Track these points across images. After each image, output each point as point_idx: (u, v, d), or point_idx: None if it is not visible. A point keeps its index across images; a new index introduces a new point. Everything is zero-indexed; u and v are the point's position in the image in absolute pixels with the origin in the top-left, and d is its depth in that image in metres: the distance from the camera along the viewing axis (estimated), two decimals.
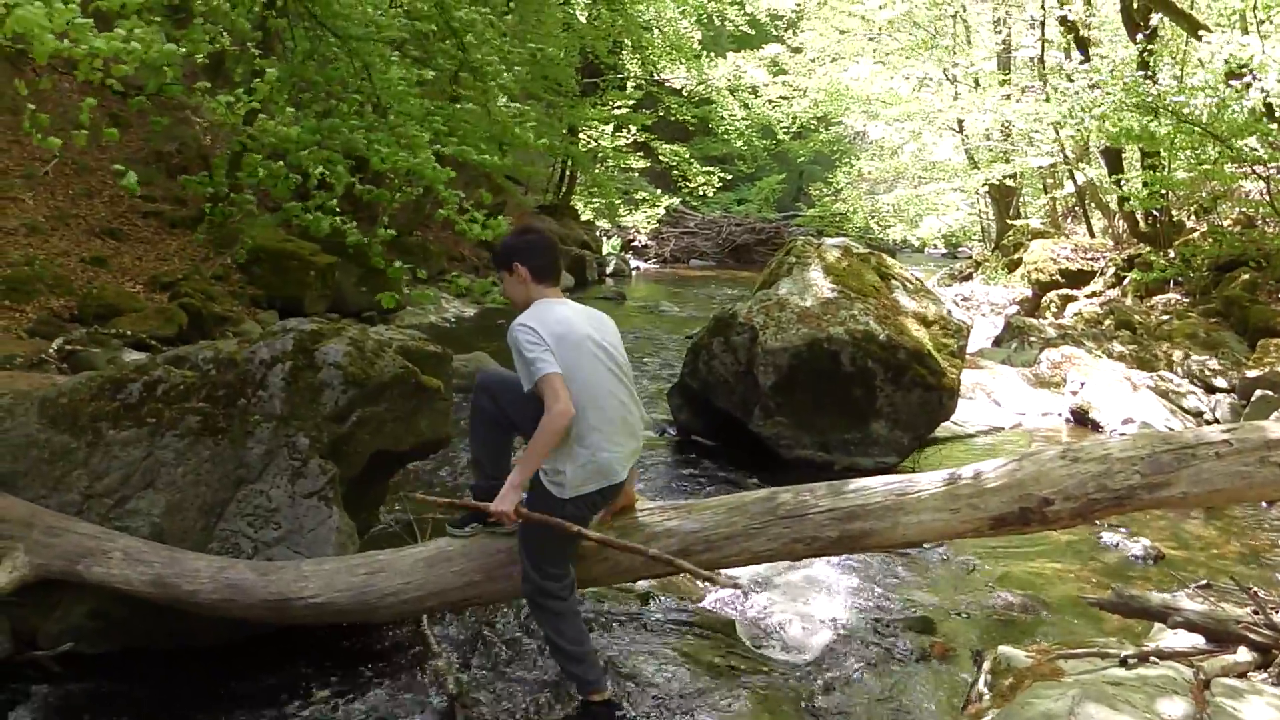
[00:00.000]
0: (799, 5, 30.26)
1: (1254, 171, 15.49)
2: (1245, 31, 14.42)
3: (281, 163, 10.31)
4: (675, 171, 33.91)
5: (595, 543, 4.72)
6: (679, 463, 9.67)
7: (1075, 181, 22.63)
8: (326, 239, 13.82)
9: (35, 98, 18.52)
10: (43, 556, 5.07)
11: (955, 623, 6.24)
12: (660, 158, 33.11)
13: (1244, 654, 4.82)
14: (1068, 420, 11.97)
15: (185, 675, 5.19)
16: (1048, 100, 19.58)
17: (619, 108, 30.42)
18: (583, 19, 27.50)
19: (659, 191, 35.36)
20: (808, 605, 6.32)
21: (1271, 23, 14.65)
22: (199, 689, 5.08)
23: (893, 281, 10.41)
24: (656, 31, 29.22)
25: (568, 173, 31.14)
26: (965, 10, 26.42)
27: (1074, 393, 12.12)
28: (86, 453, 5.37)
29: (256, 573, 4.92)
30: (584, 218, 32.74)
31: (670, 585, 6.24)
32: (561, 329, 4.57)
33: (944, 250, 36.50)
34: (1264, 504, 8.49)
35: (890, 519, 4.72)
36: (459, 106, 12.83)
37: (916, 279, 10.93)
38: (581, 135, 30.06)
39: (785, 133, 33.07)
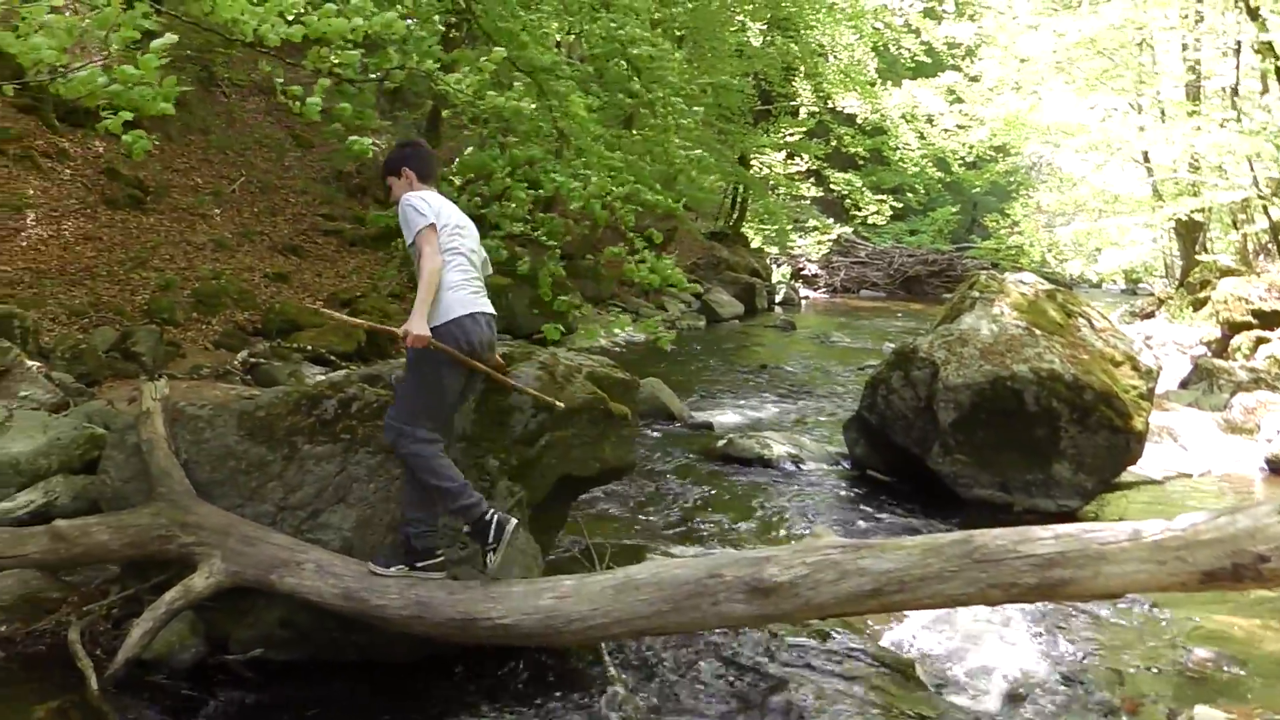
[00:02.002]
0: (979, 32, 29.76)
1: None
2: None
3: (464, 197, 10.47)
4: (847, 200, 33.65)
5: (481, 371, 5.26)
6: (855, 498, 9.54)
7: (1270, 217, 21.80)
8: (499, 262, 14.02)
9: (226, 114, 19.22)
10: (238, 564, 5.21)
11: (1146, 678, 6.01)
12: (832, 186, 32.88)
13: None
14: (1262, 470, 11.43)
15: (369, 688, 5.29)
16: (1242, 131, 18.86)
17: (791, 135, 30.30)
18: (756, 45, 27.46)
19: (830, 220, 35.14)
20: (991, 650, 6.16)
21: None
22: (381, 703, 5.17)
23: (1079, 319, 10.13)
24: (831, 58, 29.02)
25: (739, 199, 31.10)
26: (1152, 37, 25.65)
27: (1269, 440, 11.61)
28: (282, 466, 5.52)
29: (444, 591, 4.97)
30: (754, 245, 32.67)
31: (849, 623, 6.14)
32: (439, 203, 5.33)
33: (1123, 286, 35.55)
34: None
35: (1092, 568, 4.55)
36: (635, 138, 12.87)
37: (1104, 317, 10.63)
38: (753, 162, 30.01)
39: (960, 163, 32.54)
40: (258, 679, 5.28)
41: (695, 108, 12.21)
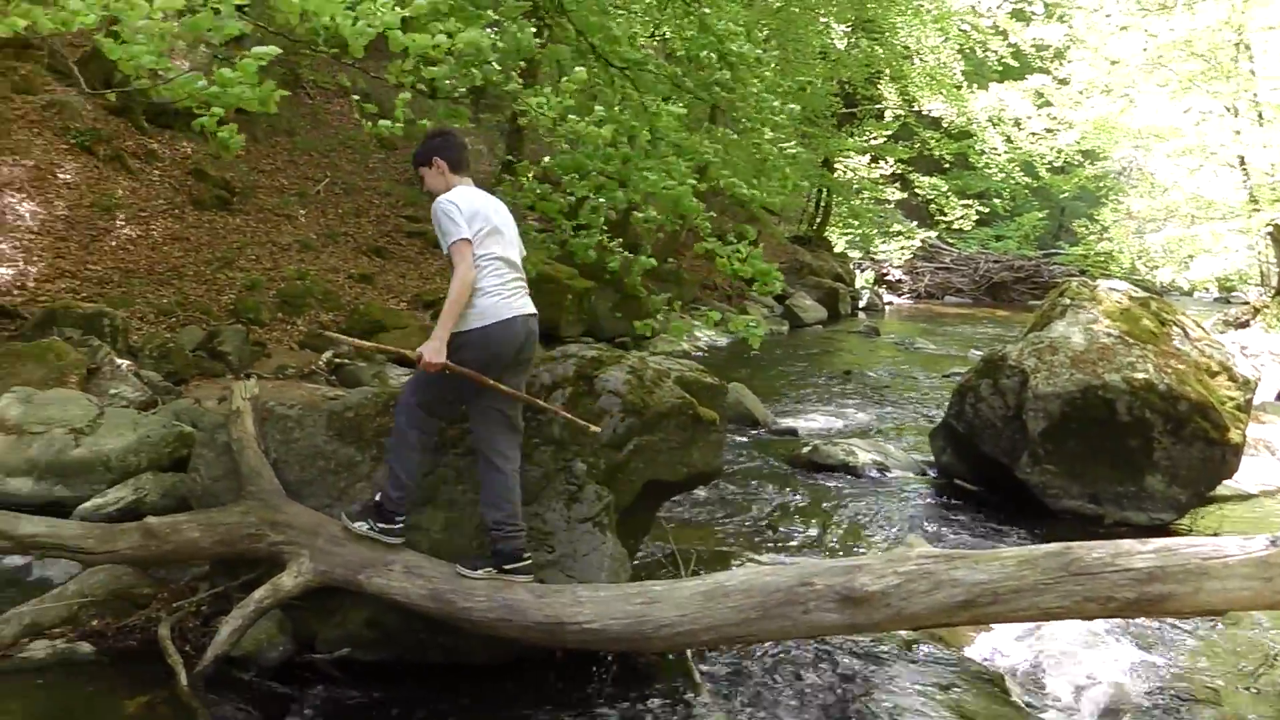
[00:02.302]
0: (1069, 33, 29.31)
1: None
2: None
3: (545, 185, 10.46)
4: (932, 205, 33.35)
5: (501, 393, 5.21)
6: (941, 506, 9.42)
7: None
8: (582, 264, 14.02)
9: (311, 116, 19.40)
10: (326, 564, 5.23)
11: (1245, 698, 5.83)
12: (917, 190, 32.62)
13: None
14: None
15: (454, 690, 5.27)
16: None
17: (876, 138, 30.09)
18: (841, 47, 27.29)
19: (914, 225, 34.85)
20: (1083, 664, 6.00)
21: None
22: (466, 704, 5.16)
23: (1173, 328, 9.93)
24: (916, 61, 28.72)
25: (823, 203, 30.93)
26: (1250, 38, 25.07)
27: None
28: (370, 466, 5.56)
29: (532, 594, 4.95)
30: (838, 250, 32.49)
31: (936, 634, 6.04)
32: (472, 204, 5.29)
33: (1216, 294, 34.88)
34: None
35: (1192, 584, 4.44)
36: (726, 136, 12.79)
37: (1198, 325, 10.40)
38: (837, 165, 29.83)
39: (1048, 167, 32.09)
40: (344, 678, 5.29)
41: (790, 105, 12.06)
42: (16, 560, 6.50)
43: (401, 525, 5.29)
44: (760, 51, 11.98)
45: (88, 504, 7.46)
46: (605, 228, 10.78)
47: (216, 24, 5.68)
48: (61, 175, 13.82)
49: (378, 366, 11.85)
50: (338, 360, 11.65)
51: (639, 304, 11.83)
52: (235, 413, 5.96)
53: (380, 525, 5.27)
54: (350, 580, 5.17)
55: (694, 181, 10.17)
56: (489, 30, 8.58)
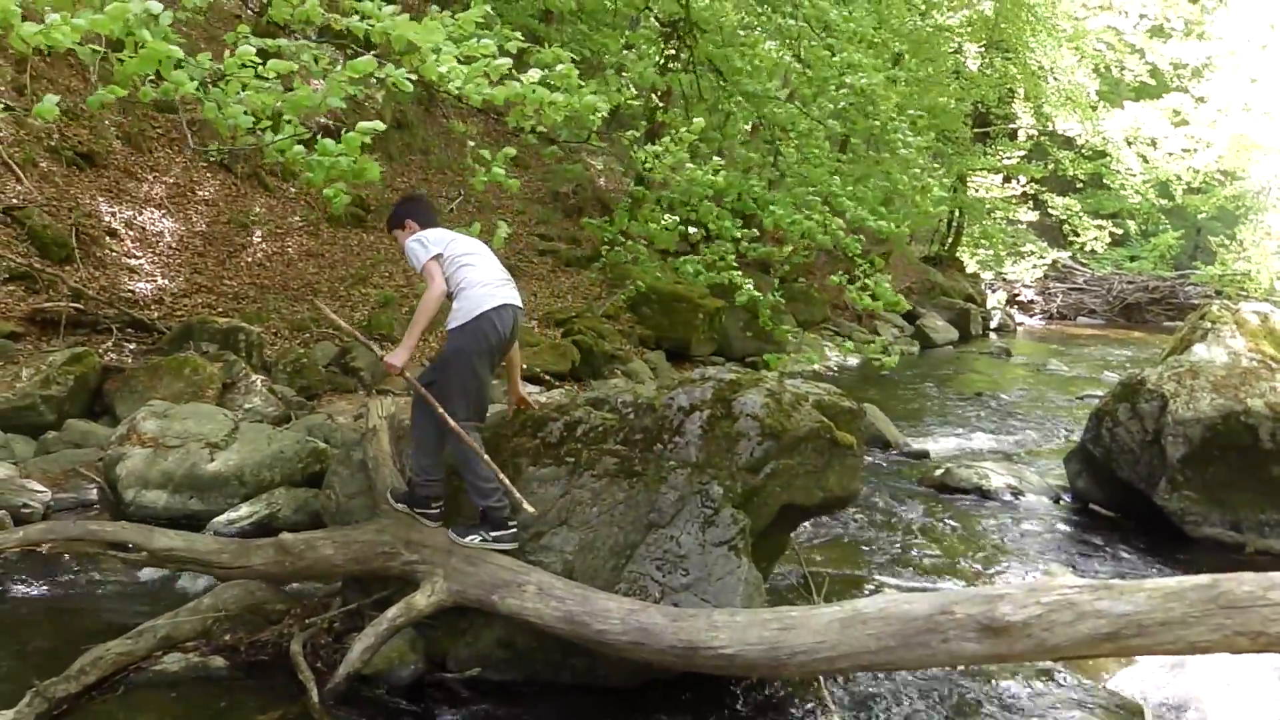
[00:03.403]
0: (1209, 53, 28.68)
1: None
2: None
3: (672, 216, 10.50)
4: (1065, 225, 32.82)
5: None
6: (1077, 533, 9.21)
7: None
8: (714, 284, 13.98)
9: (444, 134, 19.63)
10: (460, 584, 5.22)
11: None
12: (1050, 210, 32.13)
13: None
14: None
15: (585, 712, 5.27)
16: None
17: (1008, 158, 29.69)
18: (973, 67, 26.97)
19: (1046, 245, 34.29)
20: (1226, 698, 5.80)
21: None
22: None
23: None
24: (1050, 80, 28.28)
25: (955, 223, 30.59)
26: None
27: None
28: None
29: (667, 618, 4.87)
30: (969, 270, 32.11)
31: (1075, 663, 5.86)
32: (445, 237, 5.77)
33: None
34: None
35: None
36: (853, 162, 12.70)
37: None
38: (970, 185, 29.47)
39: (1185, 187, 31.38)
40: (474, 698, 5.29)
41: (915, 136, 11.96)
42: (154, 573, 6.59)
43: (515, 528, 5.44)
44: (882, 77, 11.88)
45: (221, 518, 7.57)
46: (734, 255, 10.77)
47: (316, 103, 5.77)
48: (200, 192, 14.11)
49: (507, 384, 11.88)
50: None
51: (773, 332, 11.82)
52: (371, 430, 6.00)
53: (494, 534, 5.42)
54: (484, 600, 5.15)
55: (822, 214, 10.12)
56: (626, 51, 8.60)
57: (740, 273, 11.01)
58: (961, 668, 5.64)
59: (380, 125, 5.91)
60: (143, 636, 5.40)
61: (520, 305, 5.76)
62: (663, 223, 10.45)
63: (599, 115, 7.39)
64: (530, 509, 5.17)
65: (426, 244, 5.63)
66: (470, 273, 5.58)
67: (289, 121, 6.19)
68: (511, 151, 7.90)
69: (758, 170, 10.30)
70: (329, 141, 5.95)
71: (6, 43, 12.50)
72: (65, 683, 4.91)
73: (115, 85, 5.34)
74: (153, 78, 5.41)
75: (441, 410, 5.37)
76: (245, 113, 5.74)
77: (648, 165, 8.57)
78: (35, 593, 6.36)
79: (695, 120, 8.69)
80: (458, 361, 5.52)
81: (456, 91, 6.12)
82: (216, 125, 5.67)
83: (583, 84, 7.09)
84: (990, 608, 4.54)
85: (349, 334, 6.70)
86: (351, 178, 6.25)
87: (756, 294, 10.30)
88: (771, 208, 9.65)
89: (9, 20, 4.61)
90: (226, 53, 5.74)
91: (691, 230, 11.03)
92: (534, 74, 6.49)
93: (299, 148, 5.90)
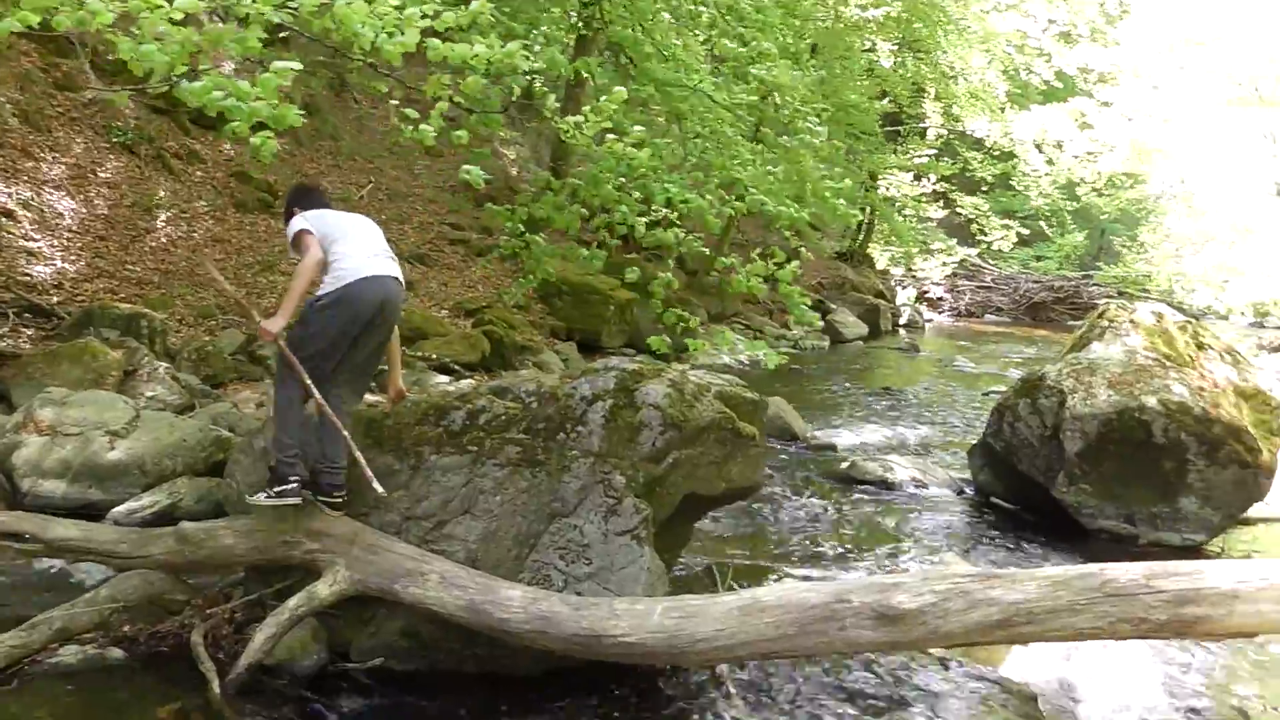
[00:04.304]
0: (1113, 60, 29.19)
1: None
2: None
3: (575, 204, 10.46)
4: (974, 225, 33.26)
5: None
6: (978, 524, 9.38)
7: None
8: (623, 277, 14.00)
9: (356, 121, 19.46)
10: (362, 573, 5.22)
11: (1273, 718, 5.76)
12: (958, 209, 32.53)
13: None
14: None
15: (490, 700, 5.25)
16: None
17: (919, 156, 30.01)
18: (886, 65, 27.24)
19: (955, 243, 34.73)
20: (1117, 687, 5.96)
21: None
22: (499, 715, 5.14)
23: (1210, 351, 9.87)
24: (961, 81, 28.64)
25: (866, 220, 30.89)
26: None
27: None
28: (409, 475, 5.55)
29: (569, 607, 4.90)
30: (880, 266, 32.44)
31: (970, 652, 5.97)
32: (324, 216, 5.91)
33: (1252, 319, 34.65)
34: None
35: (1226, 606, 4.39)
36: (762, 152, 12.73)
37: (1235, 350, 10.32)
38: (880, 182, 29.76)
39: (1090, 189, 31.95)
40: (378, 688, 5.28)
41: (820, 126, 12.04)
42: (49, 563, 6.48)
43: (296, 483, 5.48)
44: (796, 72, 11.94)
45: (121, 508, 7.46)
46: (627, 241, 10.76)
47: (239, 38, 5.66)
48: (102, 174, 13.86)
49: (417, 374, 11.82)
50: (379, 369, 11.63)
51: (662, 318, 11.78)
52: (272, 419, 5.93)
53: (277, 489, 5.46)
54: (386, 589, 5.15)
55: (718, 195, 10.14)
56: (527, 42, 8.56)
57: (636, 256, 11.05)
58: (859, 656, 5.70)
59: (297, 65, 5.77)
60: (37, 629, 5.31)
61: (398, 277, 5.79)
62: (567, 208, 10.42)
63: (518, 77, 7.34)
64: (380, 489, 5.23)
65: (302, 221, 5.74)
66: (343, 246, 5.63)
67: (206, 71, 6.03)
68: (445, 106, 7.78)
69: (665, 157, 10.29)
70: (244, 84, 5.77)
71: None
72: None
73: (26, 13, 5.13)
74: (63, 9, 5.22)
75: (307, 379, 5.40)
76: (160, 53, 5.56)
77: (569, 134, 8.51)
78: None
79: (616, 89, 8.64)
80: (317, 330, 5.56)
81: (372, 45, 6.03)
82: (130, 65, 5.48)
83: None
84: (886, 596, 4.64)
85: (231, 296, 6.74)
86: (273, 124, 6.03)
87: (662, 275, 10.29)
88: (667, 185, 9.64)
89: None
90: None
91: (592, 217, 11.04)
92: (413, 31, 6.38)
93: (217, 93, 5.71)
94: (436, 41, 6.34)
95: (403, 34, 6.00)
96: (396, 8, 5.99)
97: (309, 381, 5.38)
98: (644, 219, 9.93)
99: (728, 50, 12.04)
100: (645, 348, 15.94)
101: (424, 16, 6.11)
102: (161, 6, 5.23)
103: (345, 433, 5.40)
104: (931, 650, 5.84)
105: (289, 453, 5.50)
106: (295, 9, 5.77)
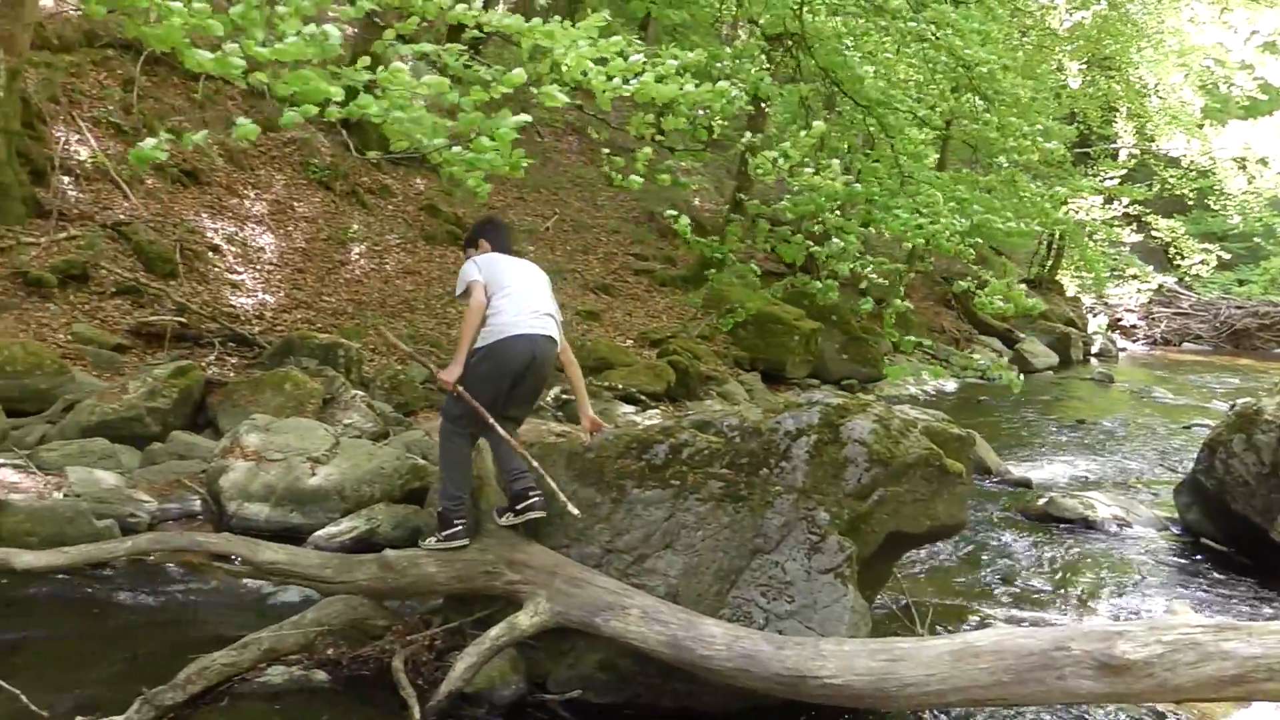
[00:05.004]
0: None
1: None
2: None
3: (788, 230, 10.42)
4: (1170, 248, 32.19)
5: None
6: (1188, 567, 8.92)
7: None
8: (809, 305, 13.88)
9: (541, 154, 19.71)
10: (563, 605, 5.19)
11: None
12: (1154, 233, 31.55)
13: None
14: None
15: None
16: None
17: (1110, 178, 29.21)
18: (1074, 85, 26.55)
19: (1150, 269, 33.69)
20: None
21: None
22: None
23: None
24: (1155, 99, 27.75)
25: (1055, 245, 30.15)
26: None
27: None
28: (610, 508, 5.52)
29: (772, 645, 4.79)
30: (1069, 294, 31.66)
31: (1187, 705, 5.66)
32: (496, 264, 6.09)
33: None
34: None
35: None
36: (974, 174, 12.48)
37: None
38: (1070, 206, 29.08)
39: None
40: (575, 719, 5.23)
41: (1050, 142, 11.78)
42: (249, 584, 6.66)
43: (461, 527, 5.72)
44: (1015, 83, 11.69)
45: (321, 532, 7.60)
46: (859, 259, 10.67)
47: (488, 127, 6.10)
48: (300, 209, 14.28)
49: (604, 403, 11.85)
50: (565, 397, 11.68)
51: (864, 347, 11.61)
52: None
53: (444, 534, 5.71)
54: (587, 622, 5.11)
55: (947, 219, 9.94)
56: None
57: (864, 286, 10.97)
58: (1079, 708, 5.49)
59: (527, 119, 6.16)
60: (247, 648, 5.42)
61: (552, 336, 5.99)
62: (790, 239, 10.35)
63: (736, 103, 7.37)
64: (575, 511, 5.36)
65: (474, 267, 5.97)
66: (502, 301, 5.85)
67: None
68: (649, 152, 7.92)
69: (879, 180, 10.12)
70: (485, 140, 6.22)
71: (114, 64, 12.76)
72: (172, 691, 4.94)
73: (307, 105, 5.72)
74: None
75: (490, 418, 5.65)
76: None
77: (764, 171, 8.47)
78: (140, 602, 6.42)
79: (815, 124, 8.56)
80: (474, 379, 5.75)
81: (599, 88, 6.23)
82: (385, 129, 5.97)
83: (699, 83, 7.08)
84: (1108, 645, 4.40)
85: (406, 353, 7.01)
86: (509, 172, 6.68)
87: (897, 303, 10.16)
88: (896, 212, 9.48)
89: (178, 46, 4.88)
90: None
91: (816, 248, 10.94)
92: (649, 75, 6.49)
93: (457, 148, 6.29)
94: (649, 79, 6.41)
95: (625, 81, 6.17)
96: (619, 54, 6.14)
97: (490, 419, 5.64)
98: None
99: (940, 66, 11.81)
100: (828, 378, 15.82)
101: (642, 63, 6.24)
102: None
103: (532, 460, 5.60)
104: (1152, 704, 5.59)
105: (455, 501, 5.76)
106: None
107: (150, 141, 5.30)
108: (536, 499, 5.60)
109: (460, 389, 5.70)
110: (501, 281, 5.93)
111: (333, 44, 5.40)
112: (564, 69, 6.04)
